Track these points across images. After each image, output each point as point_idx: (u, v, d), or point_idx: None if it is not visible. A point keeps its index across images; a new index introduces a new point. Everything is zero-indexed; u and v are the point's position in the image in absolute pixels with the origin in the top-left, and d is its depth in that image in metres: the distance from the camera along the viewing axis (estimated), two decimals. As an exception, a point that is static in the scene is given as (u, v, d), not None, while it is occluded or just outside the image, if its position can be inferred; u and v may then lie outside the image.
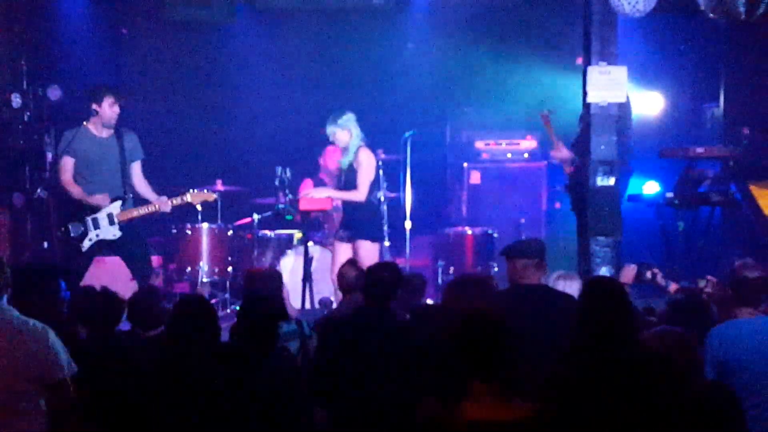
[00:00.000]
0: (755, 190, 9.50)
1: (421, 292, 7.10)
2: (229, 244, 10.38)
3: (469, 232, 10.84)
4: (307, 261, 9.08)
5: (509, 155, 11.74)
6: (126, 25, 11.70)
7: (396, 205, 10.31)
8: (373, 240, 8.67)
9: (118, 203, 8.59)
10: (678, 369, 4.44)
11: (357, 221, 8.69)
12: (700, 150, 9.95)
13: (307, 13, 11.62)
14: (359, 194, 8.64)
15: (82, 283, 7.66)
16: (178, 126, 11.73)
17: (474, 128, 11.86)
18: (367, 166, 8.68)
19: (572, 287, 6.27)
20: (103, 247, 8.65)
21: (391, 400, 5.16)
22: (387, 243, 9.70)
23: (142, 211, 8.65)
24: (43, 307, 5.25)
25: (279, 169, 9.44)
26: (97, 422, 4.68)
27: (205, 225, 10.22)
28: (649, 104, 11.09)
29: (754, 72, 10.53)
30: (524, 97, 11.49)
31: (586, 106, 7.83)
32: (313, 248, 9.52)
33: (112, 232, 8.58)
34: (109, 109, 8.52)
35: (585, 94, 7.79)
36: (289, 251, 10.01)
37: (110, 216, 8.56)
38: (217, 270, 10.24)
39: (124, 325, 5.88)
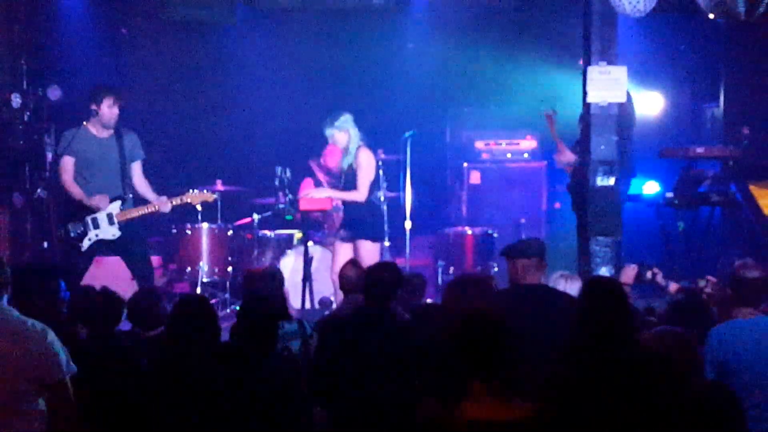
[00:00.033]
0: (755, 190, 9.50)
1: (421, 292, 7.10)
2: (229, 244, 10.39)
3: (469, 232, 10.84)
4: (307, 261, 9.08)
5: (509, 155, 11.74)
6: (126, 25, 11.70)
7: (396, 205, 10.31)
8: (373, 240, 8.68)
9: (118, 203, 8.59)
10: (678, 369, 4.44)
11: (358, 221, 8.70)
12: (700, 150, 9.95)
13: (307, 13, 11.61)
14: (359, 194, 8.65)
15: (81, 283, 7.67)
16: (178, 126, 11.73)
17: (474, 128, 11.86)
18: (367, 166, 8.69)
19: (573, 287, 6.27)
20: (103, 246, 8.65)
21: (391, 400, 5.16)
22: (387, 243, 9.70)
23: (142, 211, 8.66)
24: (43, 307, 5.25)
25: (279, 169, 9.43)
26: (97, 422, 4.68)
27: (205, 225, 10.23)
28: (649, 104, 11.09)
29: (754, 72, 10.54)
30: (524, 97, 11.48)
31: (586, 106, 7.83)
32: (313, 248, 9.52)
33: (111, 232, 8.58)
34: (108, 110, 8.52)
35: (585, 94, 7.79)
36: (289, 251, 10.01)
37: (110, 216, 8.57)
38: (217, 270, 10.24)
39: (124, 325, 5.88)
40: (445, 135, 12.01)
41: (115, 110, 8.55)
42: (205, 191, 9.04)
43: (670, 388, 4.24)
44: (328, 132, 8.67)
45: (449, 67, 11.82)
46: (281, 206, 9.58)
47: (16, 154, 10.14)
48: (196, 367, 4.59)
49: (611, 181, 7.79)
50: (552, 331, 5.23)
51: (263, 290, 6.08)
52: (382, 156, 10.14)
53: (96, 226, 8.55)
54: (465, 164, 11.69)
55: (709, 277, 6.94)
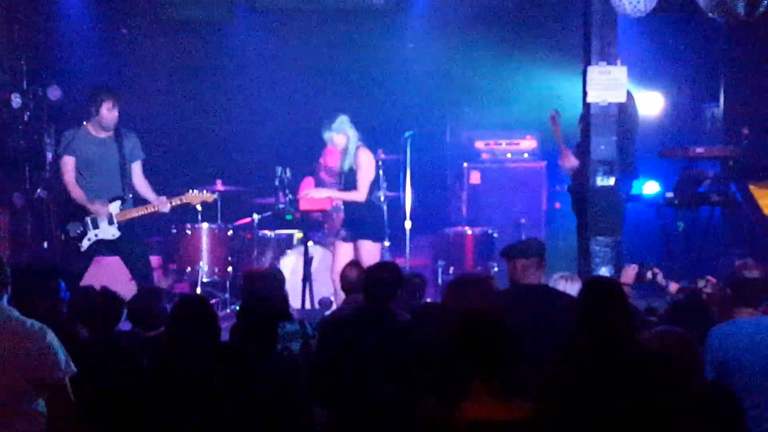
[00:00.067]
0: (755, 190, 9.50)
1: (421, 292, 7.11)
2: (229, 244, 10.39)
3: (469, 232, 10.84)
4: (307, 261, 9.08)
5: (509, 155, 11.74)
6: (126, 25, 11.70)
7: (396, 205, 10.31)
8: (374, 240, 8.69)
9: (118, 203, 8.59)
10: (678, 369, 4.44)
11: (358, 221, 8.71)
12: (700, 150, 9.95)
13: (307, 13, 11.61)
14: (359, 194, 8.66)
15: (81, 283, 7.67)
16: (178, 126, 11.73)
17: (474, 128, 11.86)
18: (367, 166, 8.69)
19: (573, 288, 6.27)
20: (102, 247, 8.65)
21: (391, 400, 5.16)
22: (387, 243, 9.70)
23: (141, 211, 8.67)
24: (43, 307, 5.25)
25: (279, 169, 9.44)
26: (97, 422, 4.68)
27: (205, 225, 10.23)
28: (649, 104, 11.09)
29: (754, 72, 10.53)
30: (524, 97, 11.49)
31: (586, 106, 7.83)
32: (313, 248, 9.52)
33: (111, 232, 8.59)
34: (108, 112, 8.53)
35: (585, 94, 7.79)
36: (289, 251, 10.01)
37: (109, 216, 8.57)
38: (217, 270, 10.25)
39: (124, 325, 5.88)
40: (445, 135, 12.01)
41: (115, 113, 8.55)
42: (204, 192, 9.05)
43: (670, 388, 4.24)
44: (327, 135, 8.69)
45: (449, 67, 11.82)
46: (281, 206, 9.58)
47: (16, 154, 10.15)
48: (196, 367, 4.59)
49: (611, 181, 7.80)
50: (552, 331, 5.23)
51: (264, 290, 6.08)
52: (382, 156, 10.14)
53: (95, 226, 8.56)
54: (465, 164, 11.69)
55: (709, 277, 6.94)
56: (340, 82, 11.58)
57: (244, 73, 11.89)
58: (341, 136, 8.67)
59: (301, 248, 9.34)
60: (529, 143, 11.71)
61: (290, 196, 9.47)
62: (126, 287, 7.93)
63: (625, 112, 8.13)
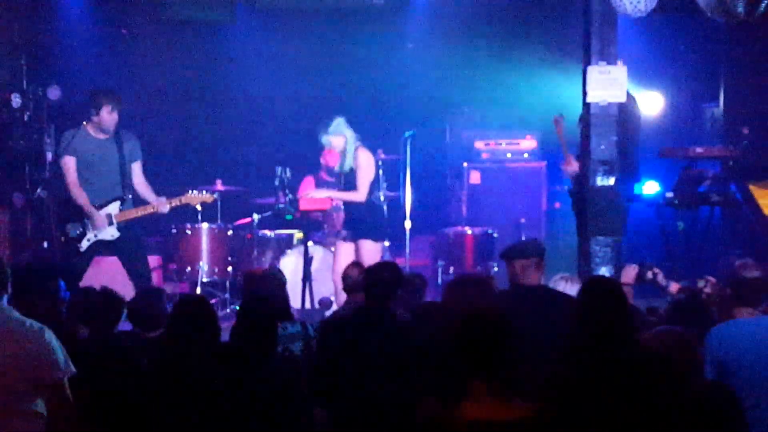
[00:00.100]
0: (755, 190, 9.50)
1: (421, 292, 7.10)
2: (229, 244, 10.39)
3: (469, 232, 10.84)
4: (307, 261, 9.08)
5: (509, 155, 11.73)
6: (126, 25, 11.70)
7: (396, 205, 10.31)
8: (375, 239, 8.70)
9: (117, 204, 8.60)
10: (678, 369, 4.44)
11: (359, 221, 8.72)
12: (700, 150, 9.95)
13: (307, 13, 11.61)
14: (359, 195, 8.67)
15: (81, 283, 7.67)
16: (178, 126, 11.73)
17: (474, 128, 11.86)
18: (367, 166, 8.70)
19: (573, 289, 6.26)
20: (102, 247, 8.65)
21: (391, 400, 5.16)
22: (386, 243, 9.70)
23: (141, 212, 8.68)
24: (43, 307, 5.25)
25: (279, 169, 9.43)
26: (97, 422, 4.68)
27: (205, 225, 10.23)
28: (649, 104, 11.08)
29: (754, 72, 10.53)
30: (524, 97, 11.49)
31: (586, 106, 7.82)
32: (313, 248, 9.52)
33: (110, 233, 8.59)
34: (108, 115, 8.55)
35: (585, 93, 7.78)
36: (289, 251, 10.01)
37: (109, 216, 8.58)
38: (217, 270, 10.25)
39: (125, 325, 5.88)
40: (445, 135, 12.00)
41: (115, 116, 8.57)
42: (204, 192, 9.06)
43: (670, 388, 4.24)
44: (324, 140, 8.71)
45: (449, 67, 11.82)
46: (281, 206, 9.58)
47: (16, 154, 10.14)
48: (196, 367, 4.59)
49: (611, 181, 7.79)
50: (552, 331, 5.23)
51: (265, 291, 6.08)
52: (382, 156, 10.13)
53: (95, 226, 8.56)
54: (465, 164, 11.68)
55: (709, 277, 6.94)
56: (339, 82, 11.59)
57: (244, 73, 11.89)
58: (339, 137, 8.68)
59: (301, 248, 9.35)
60: (529, 143, 11.70)
61: (290, 196, 9.47)
62: (126, 287, 7.94)
63: (627, 113, 8.12)
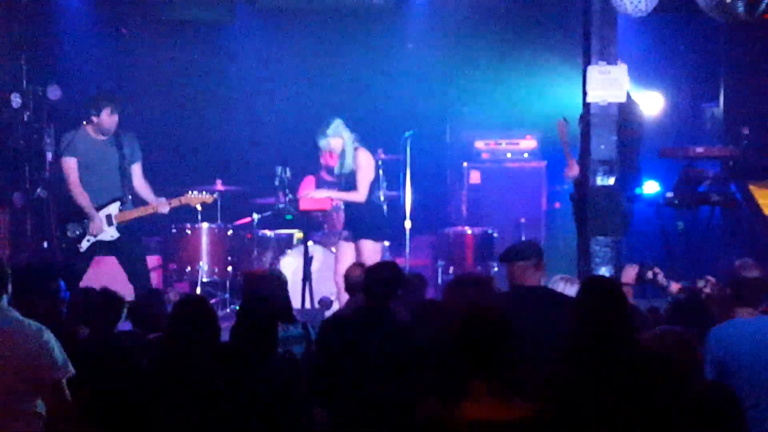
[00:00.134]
0: (755, 190, 9.50)
1: (421, 292, 7.10)
2: (229, 244, 10.39)
3: (469, 231, 10.84)
4: (307, 261, 9.08)
5: (509, 155, 11.74)
6: (126, 25, 11.69)
7: (396, 205, 10.30)
8: (375, 239, 8.70)
9: (117, 204, 8.61)
10: (678, 369, 4.44)
11: (359, 221, 8.72)
12: (700, 150, 9.95)
13: (307, 12, 11.61)
14: (359, 195, 8.67)
15: (81, 283, 7.67)
16: (178, 126, 11.72)
17: (474, 128, 11.86)
18: (366, 166, 8.71)
19: (572, 290, 6.26)
20: (101, 247, 8.65)
21: (391, 400, 5.16)
22: (386, 243, 9.70)
23: (140, 212, 8.68)
24: (43, 307, 5.25)
25: (279, 169, 9.43)
26: (97, 422, 4.68)
27: (205, 225, 10.23)
28: (649, 104, 11.08)
29: (754, 72, 10.53)
30: (524, 97, 11.49)
31: (586, 105, 7.82)
32: (313, 248, 9.52)
33: (110, 233, 8.59)
34: (108, 117, 8.56)
35: (585, 93, 7.78)
36: (289, 251, 10.01)
37: (108, 217, 8.58)
38: (217, 270, 10.25)
39: (125, 325, 5.88)
40: (445, 135, 12.00)
41: (115, 118, 8.58)
42: (204, 193, 9.07)
43: (670, 388, 4.24)
44: (323, 142, 8.70)
45: (449, 67, 11.82)
46: (281, 206, 9.58)
47: (16, 154, 10.14)
48: (196, 368, 4.59)
49: (611, 181, 7.79)
50: (552, 331, 5.23)
51: (267, 291, 6.07)
52: (382, 156, 10.13)
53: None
54: (465, 164, 11.69)
55: (709, 277, 6.94)
56: (339, 82, 11.58)
57: (244, 72, 11.89)
58: (338, 139, 8.69)
59: (301, 248, 9.34)
60: (529, 143, 11.70)
61: (290, 195, 9.47)
62: (125, 287, 7.94)
63: (629, 115, 8.13)
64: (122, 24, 11.68)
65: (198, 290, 10.05)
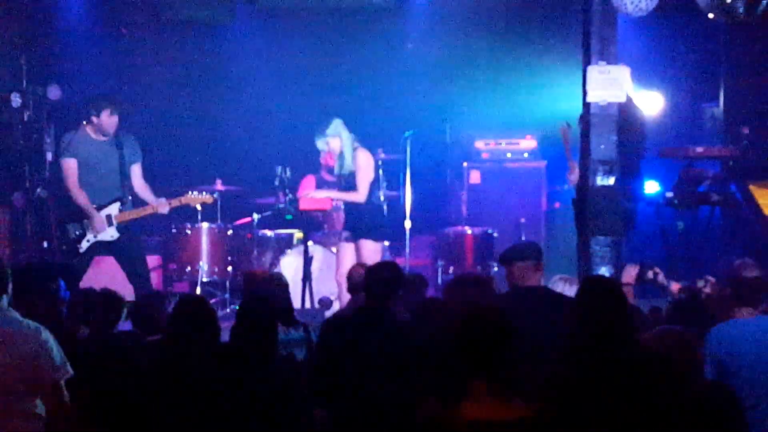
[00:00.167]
0: (755, 190, 9.50)
1: (421, 292, 7.10)
2: (229, 244, 10.39)
3: (469, 231, 10.83)
4: (307, 261, 9.08)
5: (509, 155, 11.73)
6: (126, 25, 11.69)
7: (396, 204, 10.30)
8: (375, 239, 8.70)
9: (117, 204, 8.61)
10: (678, 369, 4.44)
11: (359, 221, 8.73)
12: (700, 150, 9.95)
13: (307, 12, 11.61)
14: (359, 195, 8.68)
15: (81, 284, 7.67)
16: (177, 126, 11.72)
17: (474, 128, 11.85)
18: (366, 166, 8.71)
19: (572, 290, 6.26)
20: (101, 248, 8.66)
21: (391, 400, 5.16)
22: (386, 243, 9.70)
23: (140, 212, 8.69)
24: (43, 307, 5.26)
25: (279, 169, 9.44)
26: (97, 422, 4.68)
27: (205, 224, 10.23)
28: (649, 104, 11.07)
29: (754, 72, 10.53)
30: (524, 97, 11.49)
31: (586, 105, 7.82)
32: (313, 248, 9.52)
33: (110, 234, 8.60)
34: (108, 119, 8.57)
35: (585, 93, 7.78)
36: (289, 251, 10.00)
37: (108, 217, 8.58)
38: (217, 270, 10.24)
39: (126, 325, 5.88)
40: (445, 135, 11.98)
41: (115, 119, 8.59)
42: (204, 193, 9.08)
43: (670, 388, 4.24)
44: (321, 142, 8.71)
45: (449, 67, 11.82)
46: (281, 206, 9.58)
47: (16, 154, 10.14)
48: (195, 368, 4.59)
49: (611, 181, 7.78)
50: (552, 331, 5.23)
51: (268, 292, 6.06)
52: (382, 156, 10.13)
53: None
54: (465, 164, 11.68)
55: (709, 277, 6.94)
56: (339, 82, 11.58)
57: (244, 72, 11.89)
58: (336, 139, 8.69)
59: (301, 248, 9.34)
60: (529, 143, 11.70)
61: (290, 195, 9.47)
62: (125, 287, 7.94)
63: (630, 115, 8.13)
64: (122, 24, 11.69)
65: (198, 290, 10.05)
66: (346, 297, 7.20)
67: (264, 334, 4.87)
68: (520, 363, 4.15)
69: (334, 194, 8.91)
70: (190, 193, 8.99)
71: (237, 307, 7.90)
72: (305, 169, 10.27)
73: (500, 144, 11.75)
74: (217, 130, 11.85)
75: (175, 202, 8.82)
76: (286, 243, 10.32)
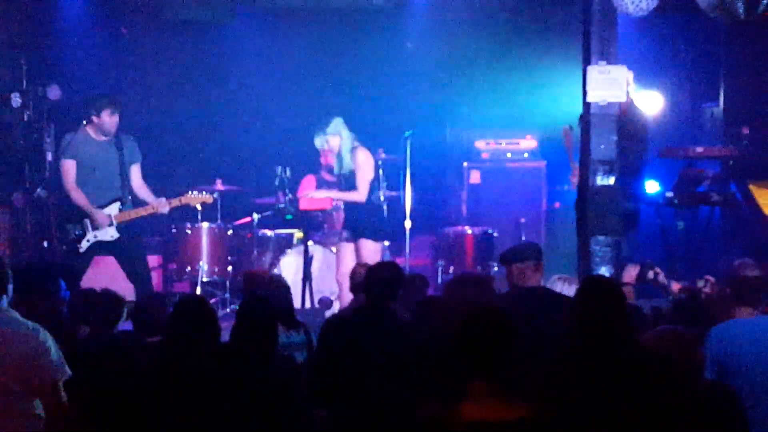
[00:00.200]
0: (755, 190, 9.50)
1: (422, 292, 7.10)
2: (229, 244, 10.39)
3: (469, 231, 10.83)
4: (307, 261, 9.08)
5: (509, 155, 11.73)
6: (126, 25, 11.69)
7: (396, 204, 10.29)
8: (375, 239, 8.70)
9: (117, 205, 8.61)
10: (678, 369, 4.44)
11: (359, 221, 8.73)
12: (700, 150, 9.95)
13: (307, 12, 11.60)
14: (359, 195, 8.68)
15: (81, 284, 7.68)
16: (177, 126, 11.72)
17: (474, 128, 11.85)
18: (365, 165, 8.71)
19: (571, 290, 6.26)
20: (101, 248, 8.66)
21: (391, 400, 5.15)
22: (386, 243, 9.71)
23: (140, 212, 8.69)
24: (43, 307, 5.26)
25: (279, 169, 9.44)
26: (97, 423, 4.68)
27: (205, 224, 10.23)
28: (649, 104, 11.07)
29: (754, 72, 10.52)
30: (524, 97, 11.48)
31: (586, 105, 7.82)
32: (313, 248, 9.52)
33: (110, 234, 8.60)
34: (108, 119, 8.58)
35: (585, 93, 7.78)
36: (289, 251, 10.00)
37: (108, 217, 8.58)
38: (217, 270, 10.24)
39: (126, 325, 5.88)
40: (445, 135, 12.00)
41: (115, 119, 8.59)
42: (204, 193, 9.08)
43: (670, 388, 4.24)
44: (320, 140, 8.70)
45: (449, 67, 11.81)
46: (281, 206, 9.58)
47: (16, 154, 10.14)
48: (196, 368, 4.59)
49: (611, 181, 7.79)
50: (552, 331, 5.23)
51: (268, 293, 6.06)
52: (382, 156, 10.13)
53: (94, 227, 8.56)
54: (465, 164, 11.68)
55: (709, 277, 6.94)
56: (339, 82, 11.58)
57: (244, 72, 11.89)
58: (336, 138, 8.69)
59: (301, 248, 9.35)
60: (529, 143, 11.70)
61: (290, 195, 9.47)
62: (125, 287, 7.95)
63: (631, 116, 8.13)
64: (122, 24, 11.69)
65: (198, 290, 10.05)
66: (346, 297, 7.20)
67: (264, 334, 4.87)
68: (520, 363, 4.15)
69: (334, 194, 8.91)
70: (190, 193, 8.99)
71: (237, 307, 7.93)
72: (305, 169, 10.26)
73: (500, 144, 11.75)
74: (217, 130, 11.86)
75: (175, 202, 8.82)
76: (286, 243, 10.32)
